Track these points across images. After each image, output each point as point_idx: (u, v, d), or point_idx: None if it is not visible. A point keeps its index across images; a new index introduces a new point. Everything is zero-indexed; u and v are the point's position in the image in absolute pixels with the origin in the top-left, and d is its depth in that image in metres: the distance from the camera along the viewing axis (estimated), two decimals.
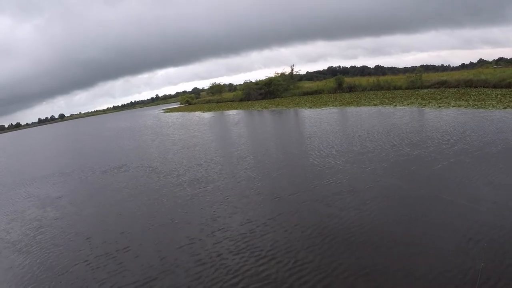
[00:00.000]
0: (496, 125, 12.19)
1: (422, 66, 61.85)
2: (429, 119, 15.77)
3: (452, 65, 59.48)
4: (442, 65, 65.51)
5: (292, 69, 54.92)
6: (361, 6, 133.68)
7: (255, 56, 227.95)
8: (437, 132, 12.43)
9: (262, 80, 53.76)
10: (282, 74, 53.88)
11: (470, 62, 53.89)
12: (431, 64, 68.08)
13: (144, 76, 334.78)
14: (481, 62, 47.50)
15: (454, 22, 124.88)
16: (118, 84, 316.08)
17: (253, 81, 57.59)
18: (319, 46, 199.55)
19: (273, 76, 53.42)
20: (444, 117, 15.40)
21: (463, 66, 51.08)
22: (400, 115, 17.81)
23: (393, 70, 59.95)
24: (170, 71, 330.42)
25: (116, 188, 11.05)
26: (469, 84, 25.69)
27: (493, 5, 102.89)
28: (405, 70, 51.78)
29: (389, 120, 16.57)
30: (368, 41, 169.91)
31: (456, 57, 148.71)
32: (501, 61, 44.07)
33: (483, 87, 24.03)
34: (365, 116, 19.45)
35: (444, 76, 30.07)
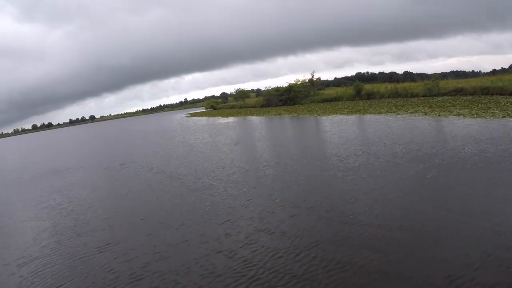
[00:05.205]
0: (460, 135, 12.13)
1: (452, 72, 59.12)
2: (407, 127, 15.52)
3: (483, 71, 55.80)
4: (473, 70, 61.58)
5: (312, 76, 54.35)
6: (384, 12, 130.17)
7: (280, 61, 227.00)
8: (395, 140, 12.76)
9: (282, 87, 53.65)
10: (303, 81, 53.47)
11: (502, 67, 50.28)
12: (461, 70, 64.44)
13: (171, 81, 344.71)
14: None
15: (479, 27, 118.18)
16: (146, 88, 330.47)
17: (275, 87, 57.66)
18: (344, 52, 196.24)
19: (294, 82, 53.12)
20: (427, 126, 15.23)
21: (494, 72, 47.72)
22: (387, 123, 17.64)
23: (423, 76, 57.03)
24: (197, 76, 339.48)
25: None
26: (485, 91, 24.09)
27: None
28: (437, 76, 49.42)
29: (369, 129, 16.72)
30: (393, 47, 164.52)
31: (486, 62, 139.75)
32: None
33: (499, 94, 22.45)
34: (356, 123, 19.62)
35: (461, 84, 28.38)
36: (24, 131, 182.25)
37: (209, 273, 4.89)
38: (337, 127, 18.90)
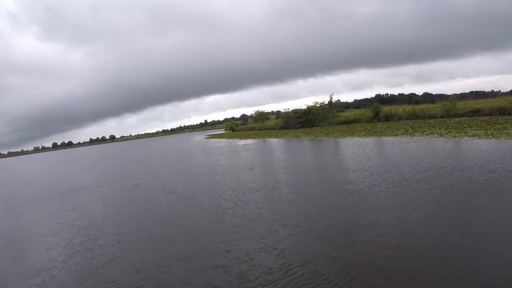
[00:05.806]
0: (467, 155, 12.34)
1: (471, 92, 58.12)
2: (420, 149, 15.45)
3: (502, 91, 54.85)
4: (492, 90, 60.65)
5: (331, 98, 54.78)
6: (401, 33, 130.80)
7: (300, 83, 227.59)
8: (406, 162, 12.82)
9: (300, 109, 54.26)
10: (322, 103, 53.89)
11: None
12: (481, 90, 63.38)
13: (192, 102, 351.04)
14: None
15: (497, 47, 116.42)
16: (166, 108, 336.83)
17: (294, 109, 58.28)
18: (362, 74, 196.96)
19: (312, 105, 53.62)
20: (439, 148, 15.06)
21: None
22: (401, 145, 17.61)
23: (442, 97, 56.42)
24: (218, 97, 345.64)
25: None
26: (503, 111, 23.67)
27: None
28: (454, 97, 48.84)
29: (382, 151, 16.88)
30: (411, 69, 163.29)
31: (506, 82, 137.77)
32: None
33: None
34: (371, 145, 19.74)
35: (478, 104, 27.99)
36: (44, 149, 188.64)
37: (204, 285, 5.20)
38: (351, 149, 18.97)
